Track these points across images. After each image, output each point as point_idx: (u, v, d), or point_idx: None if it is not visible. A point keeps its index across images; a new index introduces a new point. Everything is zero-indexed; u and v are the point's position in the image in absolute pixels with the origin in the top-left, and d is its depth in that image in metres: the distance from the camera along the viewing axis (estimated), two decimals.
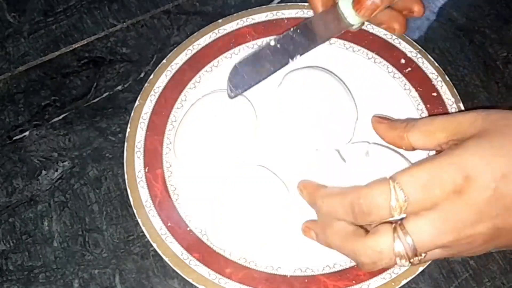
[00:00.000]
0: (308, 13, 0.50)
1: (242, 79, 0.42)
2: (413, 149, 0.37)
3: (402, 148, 0.38)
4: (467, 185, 0.29)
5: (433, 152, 0.40)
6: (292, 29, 0.43)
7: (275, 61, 0.42)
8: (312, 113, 0.43)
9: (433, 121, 0.36)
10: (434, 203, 0.30)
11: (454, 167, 0.30)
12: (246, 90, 0.43)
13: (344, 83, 0.45)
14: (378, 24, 0.45)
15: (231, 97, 0.43)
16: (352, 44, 0.48)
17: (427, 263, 0.40)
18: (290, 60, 0.43)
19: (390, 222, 0.32)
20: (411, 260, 0.31)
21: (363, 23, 0.43)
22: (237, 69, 0.43)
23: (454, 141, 0.34)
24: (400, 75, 0.47)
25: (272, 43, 0.43)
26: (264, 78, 0.43)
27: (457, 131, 0.33)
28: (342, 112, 0.43)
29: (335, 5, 0.42)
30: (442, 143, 0.35)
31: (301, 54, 0.43)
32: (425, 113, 0.45)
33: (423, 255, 0.31)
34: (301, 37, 0.42)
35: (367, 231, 0.33)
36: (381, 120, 0.40)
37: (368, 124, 0.45)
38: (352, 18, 0.41)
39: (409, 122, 0.37)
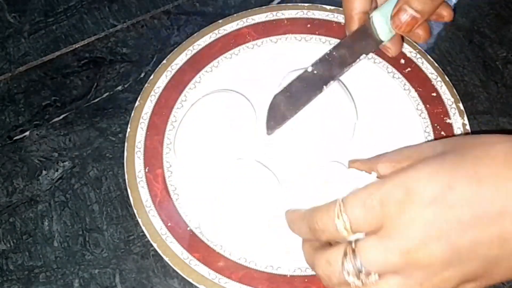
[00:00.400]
0: (307, 14, 0.50)
1: (280, 116, 0.42)
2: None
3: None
4: (408, 200, 0.27)
5: None
6: (328, 51, 0.42)
7: (310, 92, 0.42)
8: (311, 114, 0.43)
9: (401, 151, 0.35)
10: (378, 223, 0.28)
11: (393, 183, 0.28)
12: (282, 125, 0.43)
13: (343, 84, 0.45)
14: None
15: (269, 134, 0.43)
16: None
17: None
18: (324, 87, 0.42)
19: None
20: (363, 281, 0.29)
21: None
22: (274, 106, 0.42)
23: None
24: (400, 75, 0.47)
25: (310, 69, 0.42)
26: (300, 110, 0.42)
27: (420, 158, 0.31)
28: (342, 112, 0.43)
29: (367, 22, 0.41)
30: None
31: (334, 80, 0.42)
32: (425, 113, 0.45)
33: (376, 276, 0.29)
34: (336, 60, 0.42)
35: None
36: (354, 161, 0.40)
37: (368, 124, 0.46)
38: (385, 35, 0.40)
39: (381, 155, 0.37)
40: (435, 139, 0.44)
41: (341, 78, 0.46)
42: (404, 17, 0.37)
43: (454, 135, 0.44)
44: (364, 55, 0.42)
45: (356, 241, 0.29)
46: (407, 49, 0.48)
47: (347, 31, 0.43)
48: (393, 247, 0.27)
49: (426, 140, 0.44)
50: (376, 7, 0.43)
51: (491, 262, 0.27)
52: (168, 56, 0.49)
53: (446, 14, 0.42)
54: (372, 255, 0.28)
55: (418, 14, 0.37)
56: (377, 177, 0.36)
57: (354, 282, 0.29)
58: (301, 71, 0.43)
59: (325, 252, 0.31)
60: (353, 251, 0.29)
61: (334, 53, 0.42)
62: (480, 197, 0.26)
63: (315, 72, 0.42)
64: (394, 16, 0.39)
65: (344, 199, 0.30)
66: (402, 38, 0.45)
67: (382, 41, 0.42)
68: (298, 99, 0.42)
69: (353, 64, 0.43)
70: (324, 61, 0.42)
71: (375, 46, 0.42)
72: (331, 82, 0.42)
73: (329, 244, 0.33)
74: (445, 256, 0.27)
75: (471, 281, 0.28)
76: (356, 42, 0.42)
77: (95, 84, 0.51)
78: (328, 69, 0.42)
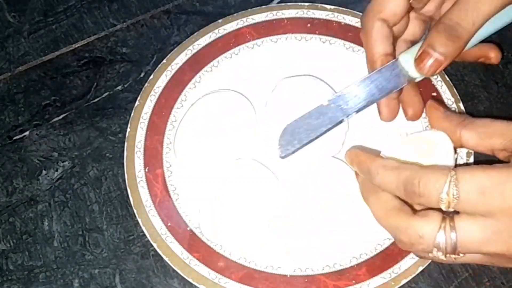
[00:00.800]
0: (307, 13, 0.49)
1: (292, 140, 0.40)
2: (461, 146, 0.35)
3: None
4: None
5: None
6: (347, 87, 0.40)
7: (327, 121, 0.40)
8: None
9: (492, 124, 0.34)
10: (490, 212, 0.29)
11: None
12: (295, 151, 0.41)
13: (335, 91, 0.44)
14: (473, 59, 0.42)
15: (281, 157, 0.41)
16: (352, 44, 0.48)
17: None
18: (345, 118, 0.40)
19: (442, 211, 0.31)
20: (447, 256, 0.30)
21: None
22: (286, 130, 0.41)
23: (508, 152, 0.32)
24: None
25: (325, 103, 0.40)
26: (316, 138, 0.40)
27: None
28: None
29: (395, 59, 0.40)
30: (495, 149, 0.33)
31: (357, 111, 0.40)
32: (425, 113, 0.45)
33: (461, 255, 0.30)
34: (358, 94, 0.40)
35: (414, 210, 0.32)
36: (437, 107, 0.38)
37: (368, 123, 0.45)
38: (414, 72, 0.38)
39: (467, 118, 0.35)
40: None
41: (341, 78, 0.46)
42: (429, 61, 0.36)
43: None
44: (392, 90, 0.40)
45: (457, 217, 0.29)
46: None
47: (369, 70, 0.42)
48: (497, 240, 0.28)
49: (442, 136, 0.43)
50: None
51: None
52: (168, 56, 0.49)
53: (493, 55, 0.41)
54: (471, 240, 0.29)
55: (441, 57, 0.36)
56: (458, 145, 0.35)
57: (439, 256, 0.30)
58: (296, 78, 0.43)
59: (415, 221, 0.31)
60: (452, 227, 0.29)
61: (355, 89, 0.40)
62: None
63: (332, 105, 0.40)
64: (417, 59, 0.37)
65: (459, 174, 0.29)
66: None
67: (415, 78, 0.39)
68: (313, 126, 0.40)
69: (379, 99, 0.40)
70: (342, 97, 0.40)
71: (406, 82, 0.40)
72: (353, 113, 0.40)
73: (409, 206, 0.32)
74: None
75: None
76: (383, 79, 0.40)
77: (95, 84, 0.51)
78: (348, 103, 0.40)
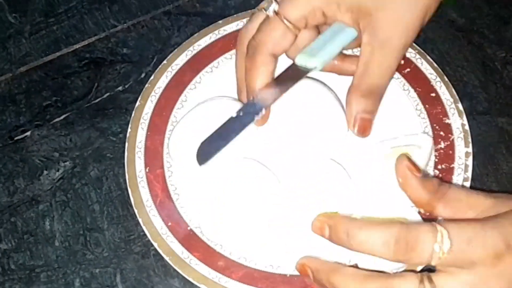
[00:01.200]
0: None
1: (210, 149, 0.40)
2: (436, 216, 0.35)
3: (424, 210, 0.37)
4: (507, 253, 0.29)
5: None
6: (252, 98, 0.41)
7: (239, 125, 0.40)
8: (300, 123, 0.42)
9: (465, 198, 0.34)
10: (471, 263, 0.29)
11: (497, 231, 0.29)
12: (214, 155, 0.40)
13: (335, 94, 0.45)
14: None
15: (200, 165, 0.40)
16: None
17: None
18: (256, 116, 0.40)
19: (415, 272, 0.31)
20: None
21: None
22: (203, 145, 0.40)
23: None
24: (399, 76, 0.47)
25: (234, 114, 0.40)
26: (231, 140, 0.40)
27: (488, 211, 0.32)
28: (332, 123, 0.43)
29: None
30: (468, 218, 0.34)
31: (266, 108, 0.40)
32: (424, 113, 0.46)
33: None
34: (263, 97, 0.40)
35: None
36: (412, 175, 0.35)
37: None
38: (312, 63, 0.39)
39: (440, 189, 0.35)
40: (434, 139, 0.44)
41: (341, 78, 0.46)
42: (360, 122, 0.39)
43: (453, 134, 0.45)
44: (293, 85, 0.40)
45: (434, 275, 0.30)
46: None
47: (239, 95, 0.43)
48: None
49: (426, 139, 0.44)
50: None
51: None
52: (168, 57, 0.49)
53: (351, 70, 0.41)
54: None
55: (369, 115, 0.39)
56: (431, 213, 0.35)
57: None
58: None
59: (395, 279, 0.30)
60: (430, 280, 0.29)
61: (259, 95, 0.40)
62: None
63: (241, 113, 0.40)
64: (350, 126, 0.40)
65: (446, 225, 0.30)
66: None
67: (311, 69, 0.40)
68: (229, 134, 0.40)
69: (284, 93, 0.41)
70: (249, 104, 0.41)
71: (305, 74, 0.40)
72: (264, 110, 0.40)
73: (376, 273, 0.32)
74: None
75: None
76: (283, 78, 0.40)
77: (96, 84, 0.51)
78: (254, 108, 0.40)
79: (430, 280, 0.30)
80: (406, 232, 0.30)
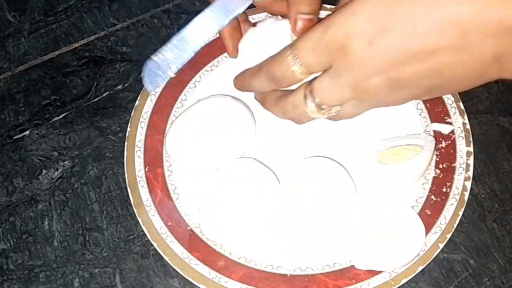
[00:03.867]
0: None
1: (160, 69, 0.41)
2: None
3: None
4: (349, 43, 0.30)
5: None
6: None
7: (202, 34, 0.41)
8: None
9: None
10: (330, 63, 0.31)
11: (336, 27, 0.30)
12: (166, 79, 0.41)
13: None
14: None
15: (150, 91, 0.40)
16: None
17: (427, 262, 0.40)
18: (219, 27, 0.41)
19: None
20: (324, 113, 0.33)
21: None
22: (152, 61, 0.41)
23: None
24: None
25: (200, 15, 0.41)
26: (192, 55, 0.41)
27: None
28: None
29: None
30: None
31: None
32: (425, 112, 0.45)
33: (335, 108, 0.33)
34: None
35: None
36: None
37: (368, 123, 0.45)
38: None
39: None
40: (435, 138, 0.44)
41: None
42: (301, 24, 0.39)
43: (454, 134, 0.44)
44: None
45: (311, 82, 0.33)
46: None
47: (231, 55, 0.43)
48: (343, 83, 0.31)
49: (427, 139, 0.44)
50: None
51: (433, 87, 0.31)
52: None
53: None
54: (327, 93, 0.32)
55: (310, 16, 0.39)
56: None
57: (319, 116, 0.34)
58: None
59: (287, 98, 0.35)
60: (311, 92, 0.33)
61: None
62: (416, 35, 0.28)
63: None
64: (293, 28, 0.39)
65: (294, 45, 0.33)
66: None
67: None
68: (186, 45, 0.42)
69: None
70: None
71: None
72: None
73: (290, 91, 0.36)
74: (386, 84, 0.30)
75: (423, 95, 0.32)
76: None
77: (95, 83, 0.51)
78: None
79: (309, 85, 0.33)
80: (268, 69, 0.35)
